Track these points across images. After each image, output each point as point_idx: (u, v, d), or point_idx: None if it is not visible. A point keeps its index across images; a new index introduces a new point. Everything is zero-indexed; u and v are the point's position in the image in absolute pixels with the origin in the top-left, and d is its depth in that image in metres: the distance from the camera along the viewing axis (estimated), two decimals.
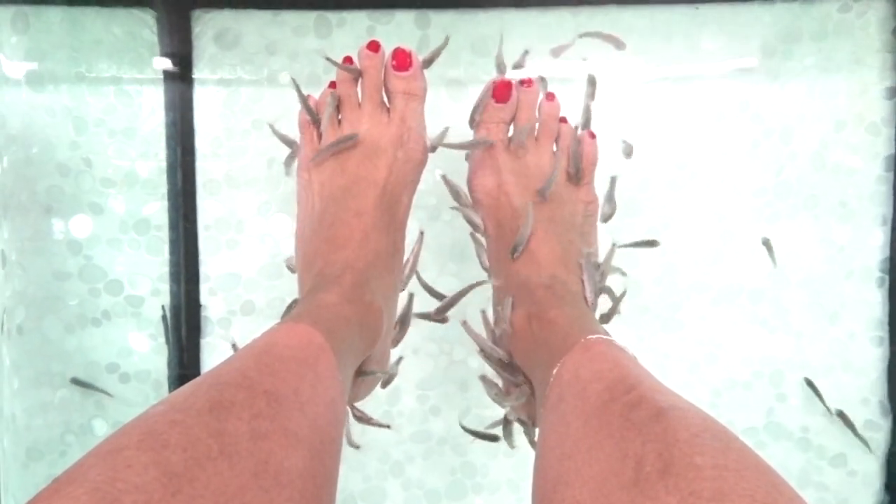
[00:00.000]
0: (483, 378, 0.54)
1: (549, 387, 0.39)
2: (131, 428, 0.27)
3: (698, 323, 0.71)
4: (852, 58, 0.68)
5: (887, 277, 0.70)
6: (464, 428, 0.62)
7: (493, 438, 0.58)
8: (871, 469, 0.72)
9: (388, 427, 0.58)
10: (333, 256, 0.48)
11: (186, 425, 0.27)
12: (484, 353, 0.52)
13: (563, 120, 0.57)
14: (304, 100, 0.55)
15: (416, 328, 0.70)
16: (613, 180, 0.58)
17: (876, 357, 0.71)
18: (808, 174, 0.70)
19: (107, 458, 0.25)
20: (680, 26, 0.68)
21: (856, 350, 0.71)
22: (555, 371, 0.39)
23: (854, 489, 0.72)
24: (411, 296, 0.56)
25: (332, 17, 0.68)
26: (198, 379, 0.32)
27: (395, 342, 0.55)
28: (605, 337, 0.40)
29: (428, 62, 0.55)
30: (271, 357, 0.34)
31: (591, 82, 0.60)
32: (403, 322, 0.56)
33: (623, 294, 0.56)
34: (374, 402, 0.71)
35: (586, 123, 0.58)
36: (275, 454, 0.29)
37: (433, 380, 0.72)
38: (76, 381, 0.71)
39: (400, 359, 0.56)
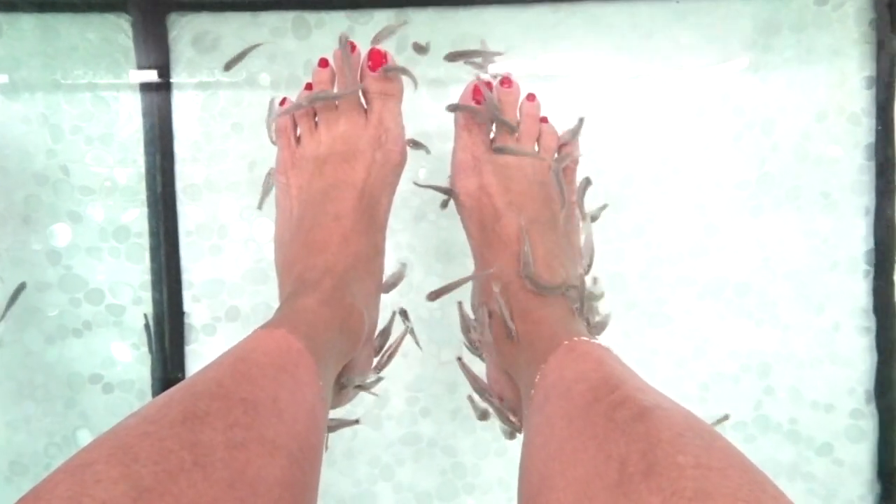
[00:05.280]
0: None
1: (534, 388, 0.38)
2: (101, 442, 0.26)
3: (684, 317, 0.71)
4: (831, 49, 0.68)
5: (872, 268, 0.70)
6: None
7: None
8: (859, 458, 0.72)
9: (357, 422, 0.56)
10: (312, 260, 0.48)
11: (158, 437, 0.27)
12: (478, 391, 0.52)
13: (544, 119, 0.56)
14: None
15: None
16: (581, 121, 0.56)
17: (862, 347, 0.71)
18: (790, 165, 0.70)
19: (75, 473, 0.24)
20: (660, 22, 0.68)
21: (842, 341, 0.71)
22: (540, 372, 0.38)
23: (842, 479, 0.72)
24: (393, 315, 0.56)
25: (311, 17, 0.68)
26: (171, 389, 0.31)
27: (380, 367, 0.54)
28: (589, 339, 0.40)
29: (376, 40, 0.53)
30: (248, 364, 0.34)
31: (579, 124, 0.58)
32: (389, 347, 0.55)
33: (605, 320, 0.55)
34: (363, 405, 0.70)
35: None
36: (251, 463, 0.28)
37: (422, 382, 0.72)
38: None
39: (379, 378, 0.55)
